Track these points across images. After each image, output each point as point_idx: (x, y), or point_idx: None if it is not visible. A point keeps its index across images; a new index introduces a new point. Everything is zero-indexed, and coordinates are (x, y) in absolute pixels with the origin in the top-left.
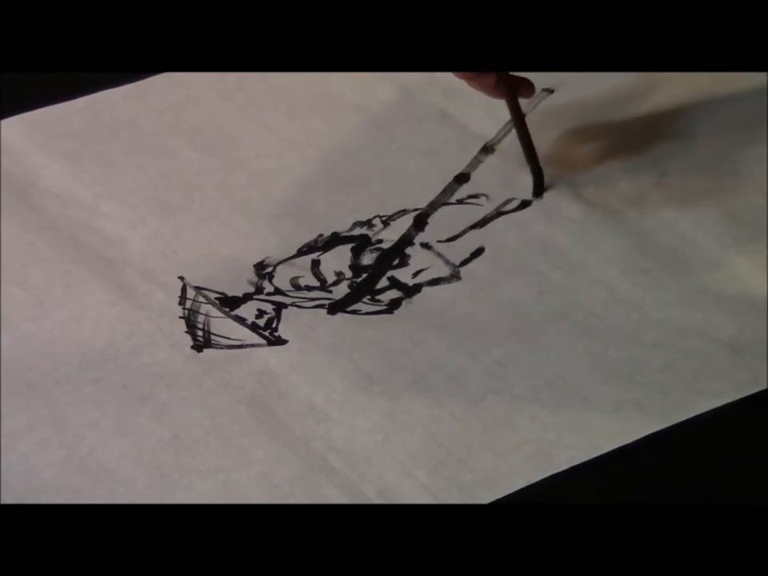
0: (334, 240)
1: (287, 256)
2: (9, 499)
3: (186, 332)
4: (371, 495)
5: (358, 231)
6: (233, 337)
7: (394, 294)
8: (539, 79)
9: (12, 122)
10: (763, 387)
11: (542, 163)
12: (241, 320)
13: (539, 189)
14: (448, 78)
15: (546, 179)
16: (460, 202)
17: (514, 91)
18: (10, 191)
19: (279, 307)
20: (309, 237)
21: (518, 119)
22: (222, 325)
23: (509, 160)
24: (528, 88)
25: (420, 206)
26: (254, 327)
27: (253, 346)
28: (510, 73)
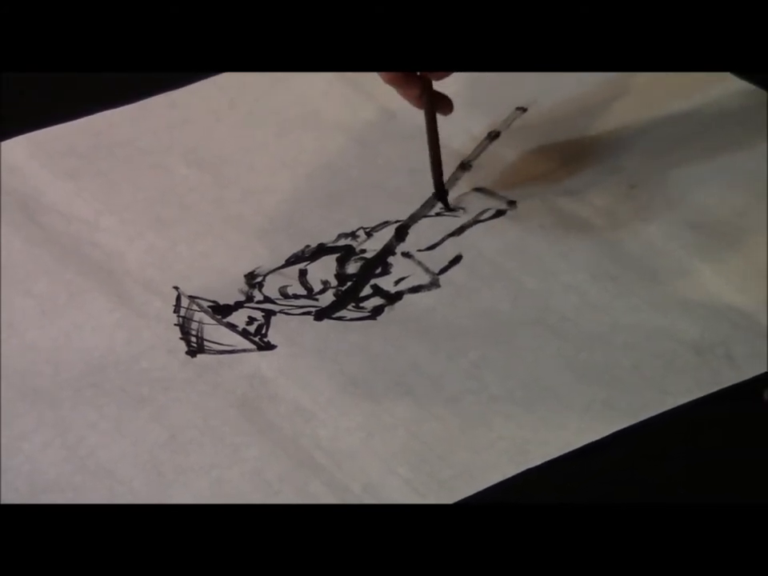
0: (321, 250)
1: (276, 266)
2: (14, 498)
3: (181, 338)
4: (356, 491)
5: (342, 242)
6: (225, 342)
7: (376, 301)
8: (515, 97)
9: (17, 142)
10: (724, 386)
11: (446, 181)
12: (232, 327)
13: (444, 200)
14: None
15: (453, 197)
16: (439, 214)
17: (433, 105)
18: (16, 207)
19: (268, 314)
20: (296, 248)
21: (432, 133)
22: (214, 331)
23: (485, 176)
24: (446, 105)
25: (401, 218)
26: (244, 333)
27: (244, 351)
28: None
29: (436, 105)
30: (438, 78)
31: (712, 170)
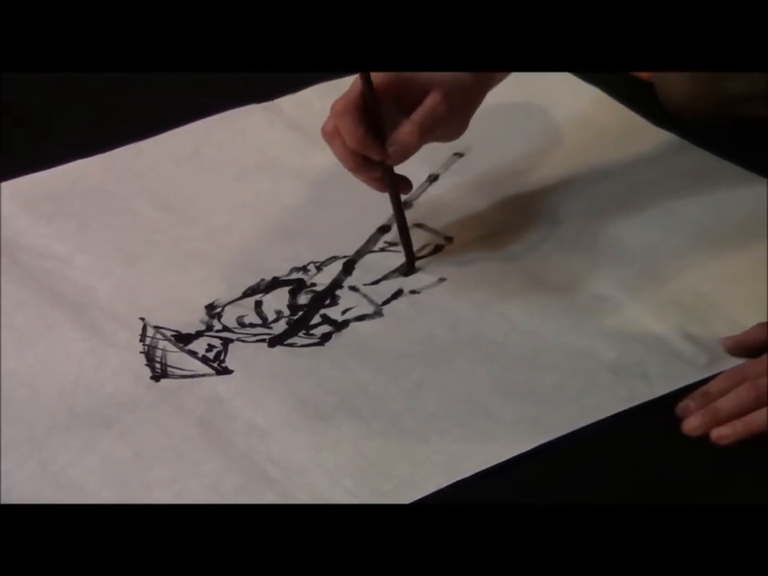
0: (275, 284)
1: (234, 298)
2: None
3: (146, 365)
4: (305, 501)
5: (295, 276)
6: (186, 368)
7: (325, 328)
8: (453, 143)
9: None
10: (639, 402)
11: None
12: (193, 354)
13: (411, 267)
14: None
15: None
16: (382, 249)
17: (396, 186)
18: None
19: (226, 342)
20: (253, 281)
21: (398, 211)
22: (177, 358)
23: (425, 214)
24: (405, 185)
25: (348, 254)
26: (204, 360)
27: (203, 375)
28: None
29: (397, 184)
30: (396, 164)
31: (629, 208)
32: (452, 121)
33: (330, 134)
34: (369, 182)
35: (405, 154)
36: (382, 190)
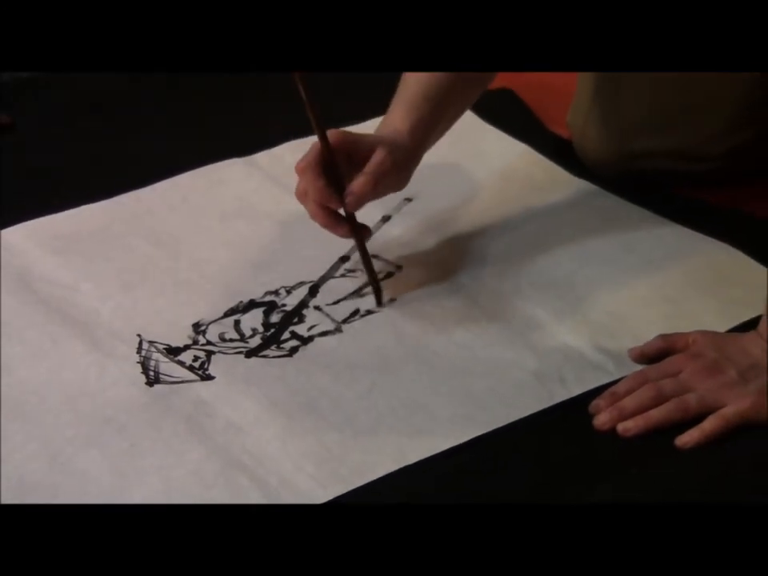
0: (251, 305)
1: (216, 318)
2: (8, 498)
3: (141, 373)
4: (274, 484)
5: (268, 298)
6: (175, 375)
7: (293, 343)
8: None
9: (16, 228)
10: (557, 402)
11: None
12: (181, 363)
13: (379, 300)
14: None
15: (353, 261)
16: (343, 275)
17: (361, 234)
18: (14, 277)
19: (209, 354)
20: (232, 303)
21: (364, 253)
22: (167, 367)
23: (378, 246)
24: (367, 232)
25: (313, 279)
26: (190, 368)
27: (190, 381)
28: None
29: (361, 233)
30: (353, 210)
31: (551, 244)
32: (395, 173)
33: (301, 195)
34: (337, 233)
35: (360, 202)
36: (348, 237)
